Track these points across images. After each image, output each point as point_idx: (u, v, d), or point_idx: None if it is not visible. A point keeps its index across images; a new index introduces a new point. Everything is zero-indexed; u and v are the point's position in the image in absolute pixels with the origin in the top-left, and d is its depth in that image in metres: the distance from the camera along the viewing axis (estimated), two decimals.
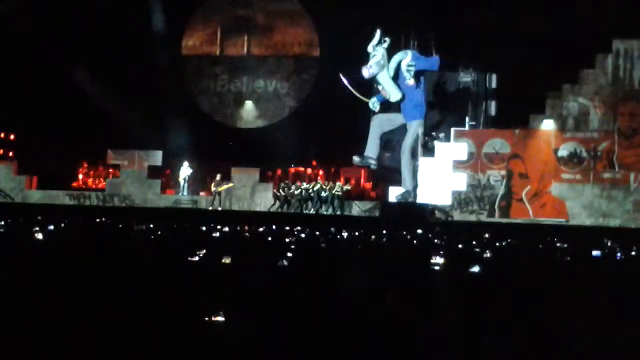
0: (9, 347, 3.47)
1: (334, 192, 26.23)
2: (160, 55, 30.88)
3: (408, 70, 18.40)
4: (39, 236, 9.89)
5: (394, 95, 18.78)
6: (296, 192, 26.50)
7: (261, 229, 14.47)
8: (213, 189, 27.78)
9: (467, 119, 24.98)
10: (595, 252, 9.45)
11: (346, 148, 24.78)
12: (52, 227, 11.47)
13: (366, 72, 18.61)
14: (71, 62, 29.00)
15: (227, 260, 7.16)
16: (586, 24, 23.13)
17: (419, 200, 20.49)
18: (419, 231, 15.04)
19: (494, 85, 25.41)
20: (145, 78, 29.37)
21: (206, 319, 4.01)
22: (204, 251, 7.52)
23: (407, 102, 19.21)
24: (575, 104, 24.29)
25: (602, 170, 23.64)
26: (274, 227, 15.28)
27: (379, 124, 19.59)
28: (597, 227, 21.89)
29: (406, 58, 18.86)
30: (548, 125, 24.40)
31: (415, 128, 19.65)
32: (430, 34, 20.38)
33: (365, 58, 18.95)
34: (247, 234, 13.43)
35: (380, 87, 19.02)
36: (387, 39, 18.78)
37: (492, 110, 25.44)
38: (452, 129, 24.50)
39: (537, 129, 24.51)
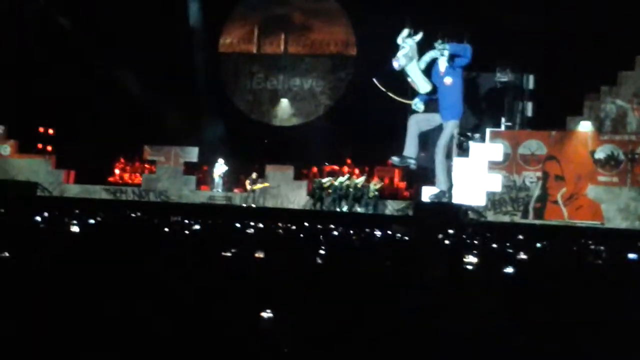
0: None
1: (368, 190, 26.24)
2: (198, 52, 31.13)
3: (454, 67, 18.34)
4: (75, 229, 10.02)
5: (422, 87, 18.72)
6: (329, 185, 26.49)
7: (294, 227, 14.53)
8: (248, 187, 27.93)
9: (503, 119, 24.86)
10: (631, 255, 9.38)
11: (381, 147, 24.83)
12: (91, 221, 11.61)
13: (396, 64, 18.59)
14: (110, 59, 29.33)
15: (260, 255, 7.22)
16: (626, 26, 22.93)
17: (454, 200, 20.41)
18: (451, 231, 14.99)
19: (530, 86, 25.25)
20: (183, 75, 29.63)
21: (257, 315, 4.04)
22: (238, 247, 7.58)
23: (444, 102, 19.14)
24: (613, 106, 24.07)
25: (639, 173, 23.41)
26: (306, 224, 15.33)
27: (417, 124, 19.53)
28: (633, 230, 21.67)
29: (442, 58, 18.80)
30: (585, 127, 24.20)
31: (451, 128, 19.55)
32: (464, 33, 20.24)
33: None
34: (280, 230, 13.50)
35: (409, 79, 18.96)
36: (420, 32, 18.70)
37: (529, 111, 25.29)
38: (488, 130, 24.39)
39: (573, 130, 24.32)
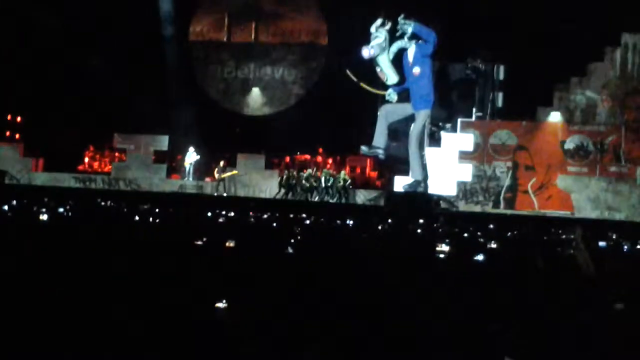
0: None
1: (339, 180, 26.23)
2: (168, 40, 30.89)
3: (422, 56, 18.28)
4: (44, 217, 9.90)
5: (391, 78, 18.71)
6: (302, 179, 26.50)
7: (266, 216, 14.48)
8: (216, 175, 27.81)
9: (474, 110, 24.96)
10: (601, 243, 9.47)
11: (352, 136, 24.79)
12: (60, 210, 11.48)
13: (366, 52, 18.50)
14: (79, 46, 29.01)
15: (231, 244, 7.16)
16: (595, 17, 23.07)
17: (430, 191, 20.46)
18: (421, 221, 15.04)
19: (501, 76, 25.36)
20: (154, 63, 29.39)
21: (213, 304, 3.99)
22: (208, 236, 7.52)
23: (414, 92, 19.14)
24: (583, 97, 24.26)
25: (609, 163, 23.61)
26: (277, 214, 15.29)
27: (387, 114, 19.51)
28: (602, 220, 21.87)
29: (411, 47, 18.78)
30: (555, 117, 24.38)
31: (423, 117, 19.53)
32: (435, 22, 20.20)
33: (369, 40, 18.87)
34: (251, 219, 13.45)
35: (378, 69, 18.93)
36: (389, 22, 18.66)
37: (499, 102, 25.41)
38: (459, 120, 24.48)
39: (544, 121, 24.48)
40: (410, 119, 19.34)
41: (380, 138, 19.18)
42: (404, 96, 19.19)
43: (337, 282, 5.24)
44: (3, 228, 8.33)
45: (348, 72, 19.23)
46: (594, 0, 23.55)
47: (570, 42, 23.62)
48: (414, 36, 18.55)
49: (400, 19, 18.14)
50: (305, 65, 32.56)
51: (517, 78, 24.89)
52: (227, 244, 7.16)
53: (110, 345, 3.34)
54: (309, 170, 27.06)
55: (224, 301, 4.01)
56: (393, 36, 18.85)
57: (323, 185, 26.29)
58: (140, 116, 28.42)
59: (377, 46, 18.34)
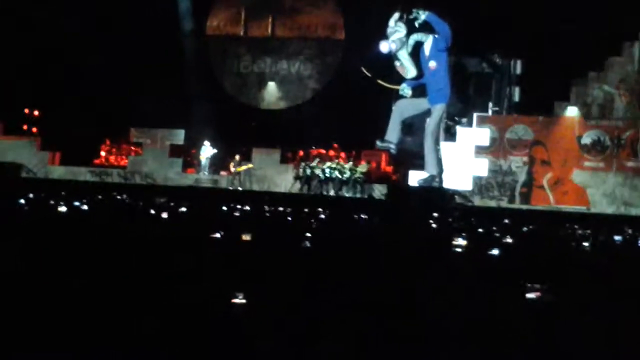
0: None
1: (355, 174, 26.23)
2: (185, 35, 30.95)
3: (437, 50, 18.22)
4: (62, 209, 9.97)
5: (411, 72, 18.68)
6: (317, 172, 26.49)
7: (281, 209, 14.51)
8: (232, 169, 27.88)
9: (490, 104, 24.88)
10: (617, 237, 9.45)
11: (368, 131, 24.76)
12: (76, 203, 11.54)
13: (386, 46, 18.47)
14: (97, 40, 29.10)
15: (247, 237, 7.18)
16: (614, 11, 22.94)
17: (445, 185, 20.43)
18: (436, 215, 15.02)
19: (518, 71, 25.27)
20: (170, 58, 29.46)
21: (230, 300, 3.99)
22: (224, 229, 7.54)
23: (431, 86, 19.11)
24: (600, 92, 24.13)
25: (626, 158, 23.48)
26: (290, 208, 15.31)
27: (401, 109, 19.48)
28: (618, 215, 21.77)
29: (427, 41, 18.73)
30: (572, 112, 24.26)
31: (439, 112, 19.48)
32: (450, 16, 20.11)
33: (387, 34, 18.83)
34: (267, 213, 13.48)
35: (397, 64, 18.88)
36: (406, 15, 18.61)
37: (516, 97, 25.33)
38: (475, 114, 24.41)
39: (560, 115, 24.37)
40: (427, 113, 19.31)
41: (392, 133, 19.17)
42: (420, 91, 19.16)
43: (352, 276, 5.24)
44: (20, 221, 8.39)
45: (363, 69, 19.24)
46: None
47: (588, 36, 23.49)
48: (428, 27, 18.49)
49: (415, 11, 18.08)
50: (322, 59, 32.56)
51: (534, 72, 24.80)
52: (243, 237, 7.18)
53: (123, 343, 3.35)
54: (327, 163, 27.03)
55: (240, 297, 4.00)
56: (410, 29, 18.82)
57: (342, 177, 26.28)
58: (156, 110, 28.49)
59: (397, 40, 18.31)
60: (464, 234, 8.71)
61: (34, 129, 31.36)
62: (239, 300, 3.97)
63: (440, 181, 19.47)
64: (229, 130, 29.14)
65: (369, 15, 25.49)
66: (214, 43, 33.29)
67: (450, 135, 23.99)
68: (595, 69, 24.26)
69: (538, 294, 4.69)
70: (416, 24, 18.05)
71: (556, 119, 24.35)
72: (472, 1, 24.90)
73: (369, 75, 19.03)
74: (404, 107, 19.34)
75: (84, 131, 28.52)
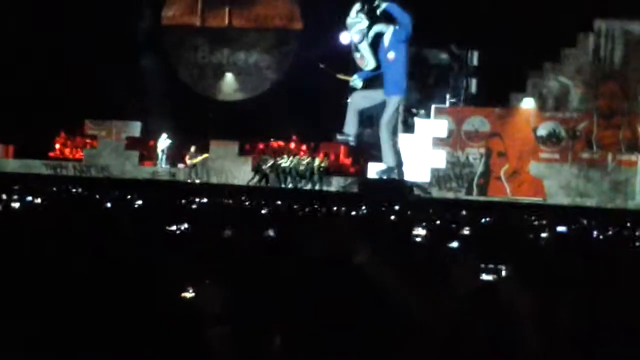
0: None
1: (312, 167, 26.19)
2: (140, 24, 30.59)
3: (397, 41, 18.24)
4: (15, 205, 9.76)
5: (370, 63, 18.70)
6: (274, 165, 26.42)
7: (241, 202, 14.41)
8: (188, 161, 27.66)
9: (447, 96, 24.98)
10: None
11: (327, 123, 24.72)
12: (29, 198, 11.32)
13: (348, 37, 18.47)
14: (50, 30, 28.63)
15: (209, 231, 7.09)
16: (568, 3, 23.13)
17: (406, 178, 20.48)
18: (397, 207, 15.04)
19: (475, 62, 25.38)
20: (126, 48, 29.10)
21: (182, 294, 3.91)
22: (185, 223, 7.44)
23: (388, 77, 19.12)
24: (556, 83, 24.35)
25: (581, 150, 23.75)
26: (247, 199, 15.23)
27: (357, 102, 19.51)
28: (574, 206, 22.02)
29: (387, 32, 18.74)
30: (528, 103, 24.45)
31: (395, 104, 19.52)
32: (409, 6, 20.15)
33: (346, 25, 18.82)
34: (225, 206, 13.37)
35: (358, 55, 18.86)
36: (366, 6, 18.62)
37: (473, 88, 25.45)
38: (433, 106, 24.49)
39: (516, 107, 24.55)
40: (383, 105, 19.32)
41: (350, 125, 19.19)
42: (376, 83, 19.18)
43: (315, 270, 5.18)
44: None
45: (322, 65, 19.19)
46: None
47: (544, 27, 23.65)
48: (389, 18, 18.49)
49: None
50: (279, 50, 32.42)
51: (491, 64, 24.92)
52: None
53: (88, 344, 3.27)
54: (287, 157, 26.96)
55: (190, 290, 3.93)
56: (371, 21, 18.80)
57: (296, 171, 26.24)
58: (112, 102, 28.16)
59: (359, 32, 18.28)
60: (423, 224, 8.72)
61: None
62: (189, 294, 3.91)
63: (400, 173, 19.52)
64: (186, 122, 28.89)
65: (325, 5, 25.42)
66: (170, 33, 32.96)
67: (408, 127, 24.05)
68: (551, 60, 24.44)
69: (494, 275, 4.75)
70: (377, 12, 18.01)
71: (512, 111, 24.54)
72: None
73: (325, 69, 18.99)
74: (359, 100, 19.35)
75: (38, 123, 28.08)
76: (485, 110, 24.58)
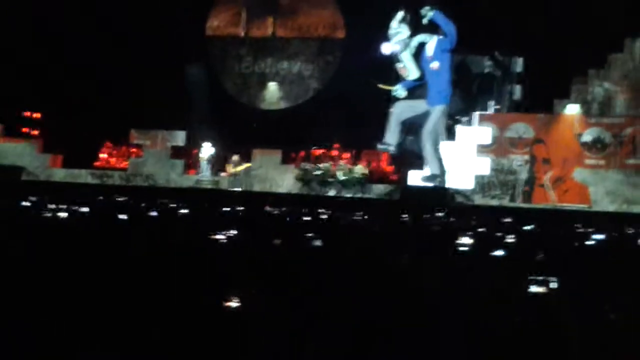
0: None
1: (355, 175, 26.21)
2: (185, 35, 30.93)
3: (441, 51, 18.24)
4: (64, 215, 9.93)
5: (413, 73, 18.71)
6: (317, 174, 26.50)
7: (283, 210, 14.48)
8: (231, 170, 27.86)
9: (491, 102, 24.84)
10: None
11: (369, 131, 24.74)
12: (76, 207, 11.50)
13: (389, 48, 18.50)
14: (97, 41, 29.11)
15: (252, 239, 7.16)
16: (616, 8, 22.90)
17: (448, 186, 20.43)
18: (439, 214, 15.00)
19: (519, 69, 25.22)
20: (171, 59, 29.46)
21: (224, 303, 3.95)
22: (230, 231, 7.51)
23: (431, 87, 19.09)
24: (601, 89, 24.08)
25: (627, 156, 23.42)
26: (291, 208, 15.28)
27: (400, 112, 19.51)
28: (620, 213, 21.73)
29: (431, 41, 18.72)
30: (572, 110, 24.20)
31: (438, 113, 19.49)
32: (452, 13, 20.09)
33: (388, 35, 18.83)
34: (270, 214, 13.45)
35: (400, 65, 18.88)
36: (409, 15, 18.64)
37: (517, 94, 25.28)
38: (476, 113, 24.37)
39: (561, 113, 24.33)
40: (426, 115, 19.29)
41: (391, 135, 19.20)
42: (419, 93, 19.16)
43: (354, 277, 5.22)
44: (24, 225, 8.37)
45: (371, 80, 19.26)
46: None
47: (589, 33, 23.44)
48: (432, 27, 18.49)
49: (423, 10, 18.06)
50: (322, 59, 32.54)
51: (535, 70, 24.75)
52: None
53: (122, 347, 3.33)
54: (325, 165, 27.04)
55: (236, 300, 3.96)
56: (414, 30, 18.81)
57: (340, 178, 26.28)
58: (157, 112, 28.50)
59: (400, 42, 18.31)
60: (467, 233, 8.70)
61: (35, 132, 31.35)
62: (234, 303, 3.93)
63: (443, 181, 19.46)
64: (229, 131, 29.12)
65: (369, 14, 25.47)
66: (214, 44, 33.28)
67: (451, 134, 23.97)
68: (596, 66, 24.20)
69: (544, 287, 4.69)
70: (423, 21, 18.02)
71: (556, 117, 24.31)
72: None
73: (378, 84, 19.07)
74: (402, 110, 19.35)
75: (85, 133, 28.51)
76: (529, 117, 24.39)
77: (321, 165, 26.79)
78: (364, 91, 22.97)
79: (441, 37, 18.63)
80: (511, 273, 5.85)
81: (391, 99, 19.73)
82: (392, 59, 19.22)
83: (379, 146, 19.56)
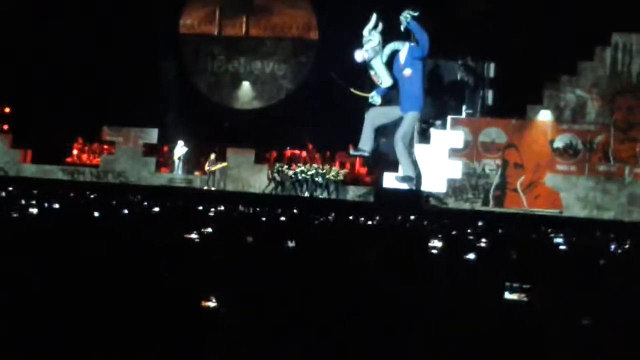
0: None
1: (329, 176, 26.20)
2: (158, 33, 30.75)
3: (413, 59, 18.36)
4: (34, 211, 9.84)
5: (385, 81, 18.82)
6: (291, 174, 26.47)
7: (256, 210, 14.45)
8: (207, 168, 27.74)
9: (464, 107, 24.98)
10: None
11: (343, 132, 24.79)
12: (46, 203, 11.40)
13: (360, 55, 18.59)
14: (69, 36, 28.84)
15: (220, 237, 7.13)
16: (586, 16, 23.11)
17: (422, 189, 20.52)
18: (412, 217, 15.06)
19: (491, 74, 25.39)
20: (144, 56, 29.26)
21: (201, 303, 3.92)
22: (203, 229, 7.48)
23: (404, 94, 19.22)
24: (573, 96, 24.31)
25: (598, 162, 23.67)
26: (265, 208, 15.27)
27: (374, 117, 19.64)
28: (591, 219, 21.95)
29: (403, 49, 18.85)
30: (545, 115, 24.41)
31: (411, 119, 19.65)
32: (424, 19, 20.19)
33: (362, 42, 18.92)
34: (239, 213, 13.42)
35: (372, 73, 19.00)
36: (381, 23, 18.74)
37: (489, 99, 25.44)
38: (449, 117, 24.50)
39: (533, 119, 24.52)
40: (399, 121, 19.39)
41: (366, 141, 19.30)
42: (392, 98, 19.26)
43: (333, 279, 5.21)
44: None
45: (333, 74, 19.30)
46: None
47: (561, 40, 23.66)
48: (406, 35, 18.60)
49: (406, 11, 18.12)
50: (296, 59, 32.50)
51: (508, 75, 24.91)
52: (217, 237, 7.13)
53: (101, 346, 3.30)
54: (301, 167, 26.99)
55: (212, 299, 3.93)
56: (386, 37, 18.91)
57: (312, 180, 26.26)
58: (129, 109, 28.30)
59: (371, 50, 18.42)
60: (439, 236, 8.73)
61: (5, 126, 30.99)
62: (211, 303, 3.91)
63: (418, 184, 19.56)
64: (202, 130, 28.99)
65: (343, 15, 25.51)
66: (187, 42, 33.11)
67: (425, 137, 24.07)
68: (568, 72, 24.42)
69: (520, 294, 4.68)
70: (401, 28, 18.15)
71: (529, 122, 24.50)
72: (445, 4, 25.00)
73: (339, 82, 19.12)
74: (376, 116, 19.46)
75: (56, 129, 28.25)
76: (502, 122, 24.56)
77: (297, 169, 26.76)
78: (337, 92, 22.98)
79: (413, 44, 18.76)
80: (484, 278, 5.87)
81: (365, 104, 19.82)
82: (366, 65, 19.31)
83: (353, 152, 19.67)
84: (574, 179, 23.66)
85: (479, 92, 25.36)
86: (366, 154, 19.43)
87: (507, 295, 4.72)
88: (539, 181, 23.85)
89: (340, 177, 26.28)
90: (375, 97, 19.16)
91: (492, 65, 25.37)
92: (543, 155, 23.96)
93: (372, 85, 19.70)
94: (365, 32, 18.77)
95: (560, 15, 24.03)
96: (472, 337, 3.88)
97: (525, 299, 4.70)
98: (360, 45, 19.14)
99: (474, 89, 25.29)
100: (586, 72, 24.38)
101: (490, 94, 25.52)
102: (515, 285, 4.78)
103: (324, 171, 26.40)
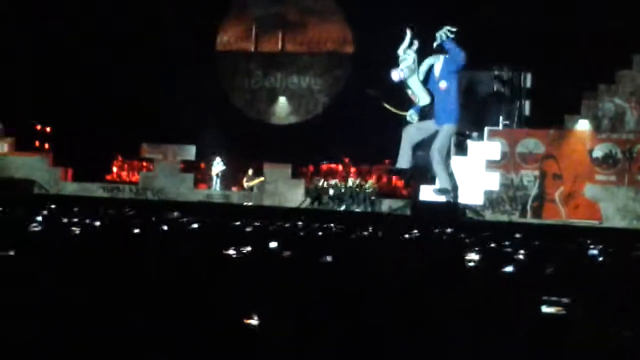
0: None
1: (365, 189, 26.23)
2: (195, 50, 31.07)
3: (448, 72, 18.38)
4: (76, 230, 9.98)
5: (423, 99, 18.85)
6: (328, 188, 26.52)
7: (295, 224, 14.51)
8: (245, 184, 27.92)
9: (501, 118, 24.86)
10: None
11: (379, 145, 24.82)
12: (88, 220, 11.56)
13: (396, 75, 18.64)
14: (108, 56, 29.26)
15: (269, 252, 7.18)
16: (624, 24, 22.94)
17: (459, 201, 20.45)
18: (449, 230, 15.01)
19: (528, 84, 25.25)
20: (181, 74, 29.58)
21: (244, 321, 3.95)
22: (246, 245, 7.53)
23: (439, 107, 19.21)
24: (611, 105, 24.07)
25: (637, 172, 23.37)
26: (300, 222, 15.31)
27: (410, 135, 19.65)
28: (631, 229, 21.67)
29: (438, 62, 18.87)
30: (583, 125, 24.19)
31: (447, 132, 19.63)
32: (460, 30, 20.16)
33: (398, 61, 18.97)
34: (276, 228, 13.47)
35: (409, 92, 19.04)
36: (416, 41, 18.79)
37: (527, 110, 25.28)
38: (486, 128, 24.38)
39: (571, 129, 24.31)
40: (436, 134, 19.38)
41: (404, 159, 19.32)
42: (427, 112, 19.26)
43: (365, 293, 5.24)
44: (35, 240, 8.41)
45: (369, 91, 19.35)
46: (624, 6, 23.43)
47: (599, 49, 23.48)
48: (441, 49, 18.61)
49: (443, 30, 18.17)
50: (331, 73, 32.63)
51: (545, 86, 24.77)
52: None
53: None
54: (335, 181, 27.07)
55: (255, 318, 3.95)
56: (422, 52, 18.94)
57: (349, 194, 26.29)
58: (168, 126, 28.60)
59: (406, 69, 18.46)
60: (476, 249, 8.71)
61: (46, 145, 31.48)
62: (253, 321, 3.93)
63: (455, 196, 19.50)
64: (239, 146, 29.20)
65: (377, 28, 25.56)
66: (224, 59, 33.41)
67: (462, 149, 23.99)
68: (606, 81, 24.21)
69: (557, 308, 4.65)
70: (434, 45, 18.20)
71: (567, 133, 24.29)
72: (481, 15, 24.97)
73: (374, 95, 19.16)
74: (412, 133, 19.49)
75: (96, 147, 28.62)
76: (540, 132, 24.38)
77: (332, 182, 26.82)
78: (373, 106, 23.02)
79: (447, 56, 18.77)
80: (521, 291, 5.86)
81: (403, 121, 19.84)
82: (403, 86, 19.36)
83: (392, 172, 19.68)
84: (614, 189, 23.39)
85: (515, 103, 25.22)
86: (403, 175, 19.45)
87: (545, 309, 4.70)
88: (577, 192, 23.63)
89: (375, 190, 26.28)
90: (413, 115, 19.21)
91: (529, 76, 25.22)
92: (582, 165, 23.73)
93: (409, 104, 19.73)
94: (400, 51, 18.84)
95: (597, 24, 23.87)
96: (510, 351, 3.90)
97: (563, 312, 4.67)
98: (395, 60, 19.18)
99: (510, 100, 25.15)
100: (624, 80, 24.14)
101: (527, 105, 25.35)
102: (553, 298, 4.76)
103: (360, 185, 26.42)
